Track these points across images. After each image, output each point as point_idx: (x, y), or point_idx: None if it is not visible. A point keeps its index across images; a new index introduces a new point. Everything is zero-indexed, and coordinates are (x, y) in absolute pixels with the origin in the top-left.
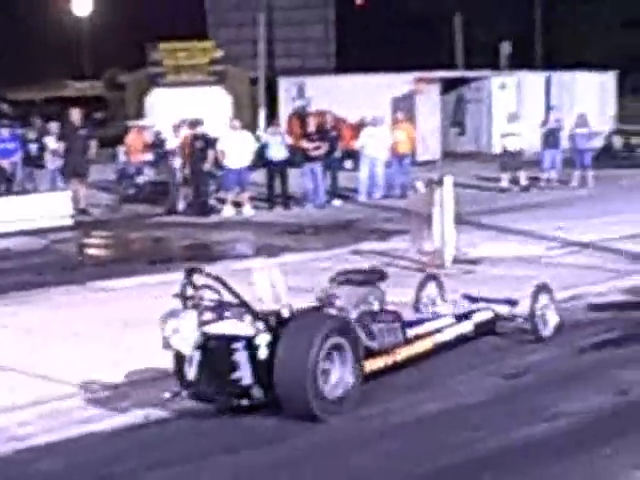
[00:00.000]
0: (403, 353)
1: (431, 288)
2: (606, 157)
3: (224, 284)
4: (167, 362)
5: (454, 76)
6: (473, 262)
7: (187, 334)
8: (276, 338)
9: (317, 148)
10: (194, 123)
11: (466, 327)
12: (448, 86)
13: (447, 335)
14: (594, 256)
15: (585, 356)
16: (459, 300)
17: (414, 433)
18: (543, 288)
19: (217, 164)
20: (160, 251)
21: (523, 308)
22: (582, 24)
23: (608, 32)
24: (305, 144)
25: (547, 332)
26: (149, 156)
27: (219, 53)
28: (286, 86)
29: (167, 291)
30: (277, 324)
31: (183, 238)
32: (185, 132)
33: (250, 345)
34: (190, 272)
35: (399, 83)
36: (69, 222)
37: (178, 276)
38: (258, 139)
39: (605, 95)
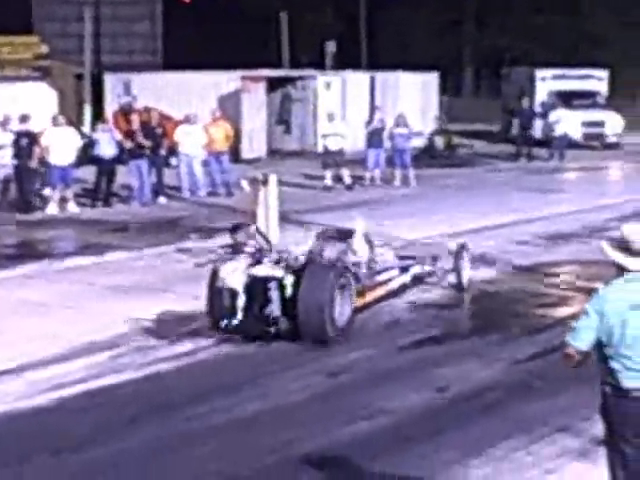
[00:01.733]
0: (371, 295)
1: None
2: (428, 157)
3: (263, 235)
4: None
5: (280, 75)
6: None
7: (239, 274)
8: (298, 279)
9: (141, 146)
10: (23, 119)
11: (406, 278)
12: (274, 84)
13: (395, 284)
14: (417, 253)
15: (405, 354)
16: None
17: (232, 434)
18: (463, 247)
19: (41, 161)
20: None
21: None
22: (405, 25)
23: (430, 33)
24: (129, 141)
25: (464, 282)
26: None
27: (44, 48)
28: (112, 82)
29: None
30: (298, 268)
31: (5, 235)
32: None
33: (280, 284)
34: (235, 228)
35: (226, 81)
36: None
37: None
38: (84, 136)
39: (428, 95)
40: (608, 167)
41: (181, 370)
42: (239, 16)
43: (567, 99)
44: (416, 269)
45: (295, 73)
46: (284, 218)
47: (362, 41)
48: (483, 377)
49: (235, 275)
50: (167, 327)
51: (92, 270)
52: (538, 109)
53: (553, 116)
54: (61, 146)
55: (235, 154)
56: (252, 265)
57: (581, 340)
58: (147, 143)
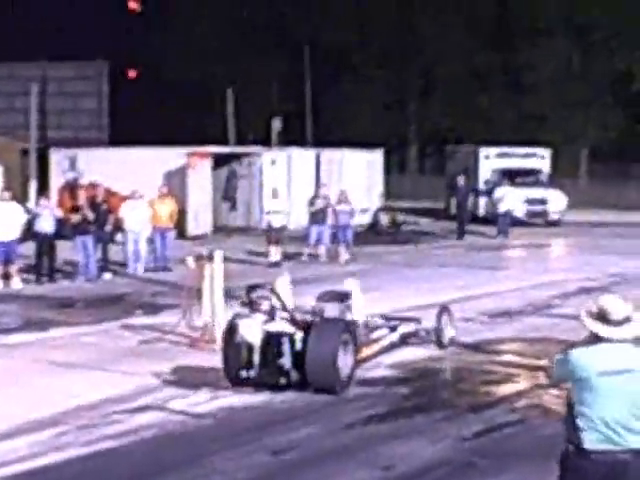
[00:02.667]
0: (367, 351)
1: None
2: (374, 233)
3: (276, 295)
4: None
5: (226, 151)
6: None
7: (256, 330)
8: (307, 335)
9: (87, 221)
10: None
11: (395, 337)
12: (220, 161)
13: (386, 342)
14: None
15: (352, 431)
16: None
17: None
18: (444, 309)
19: None
20: None
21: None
22: (351, 103)
23: (375, 111)
24: (75, 216)
25: (445, 341)
26: None
27: None
28: (58, 158)
29: None
30: (306, 325)
31: None
32: None
33: (291, 340)
34: (251, 288)
35: (172, 157)
36: None
37: None
38: (28, 211)
39: (373, 173)
40: (551, 244)
41: (125, 448)
42: (185, 92)
43: (510, 177)
44: (403, 329)
45: (241, 150)
46: (230, 294)
47: (308, 118)
48: (429, 455)
49: (252, 331)
50: (110, 404)
51: (36, 346)
52: (482, 187)
53: (497, 193)
54: (4, 221)
55: (180, 230)
56: (267, 322)
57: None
58: (92, 218)
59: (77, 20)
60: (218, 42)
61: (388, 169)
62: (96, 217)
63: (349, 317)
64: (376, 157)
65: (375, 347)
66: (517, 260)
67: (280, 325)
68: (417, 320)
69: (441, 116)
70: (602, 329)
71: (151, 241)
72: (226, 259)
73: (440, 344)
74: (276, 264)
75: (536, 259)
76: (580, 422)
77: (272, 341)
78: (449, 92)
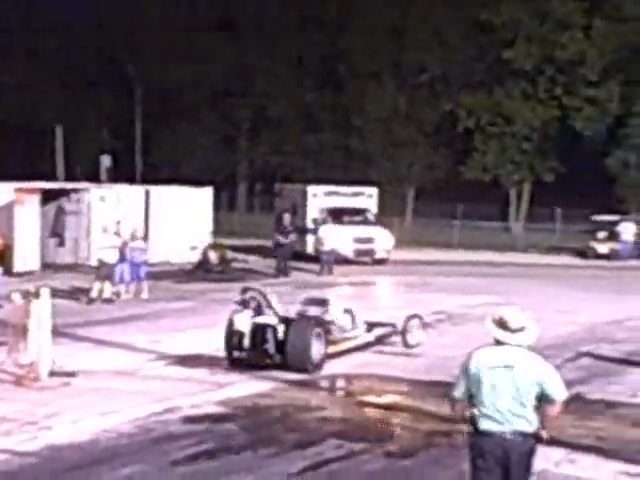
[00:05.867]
0: (341, 346)
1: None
2: (203, 271)
3: (264, 295)
4: None
5: (54, 187)
6: (70, 374)
7: (246, 322)
8: (288, 327)
9: None
10: None
11: (370, 337)
12: (49, 197)
13: (361, 340)
14: (189, 369)
15: (179, 468)
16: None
17: None
18: (414, 316)
19: None
20: None
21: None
22: (181, 141)
23: (205, 149)
24: None
25: (413, 342)
26: None
27: None
28: None
29: None
30: (287, 319)
31: None
32: None
33: (275, 330)
34: (244, 290)
35: None
36: None
37: None
38: None
39: (202, 210)
40: (377, 282)
41: None
42: (14, 128)
43: (338, 215)
44: (378, 331)
45: (69, 186)
46: (56, 331)
47: (137, 155)
48: None
49: (243, 322)
50: None
51: None
52: (310, 225)
53: (321, 232)
54: None
55: (7, 267)
56: (255, 316)
57: (455, 391)
58: None
59: None
60: (46, 76)
61: (218, 206)
62: None
63: (327, 318)
64: (206, 194)
65: (348, 344)
66: (342, 298)
67: (266, 319)
68: (393, 325)
69: (270, 154)
70: (501, 335)
71: None
72: (54, 295)
73: (406, 345)
74: (108, 300)
75: (364, 296)
76: (476, 409)
77: (259, 331)
78: (278, 131)
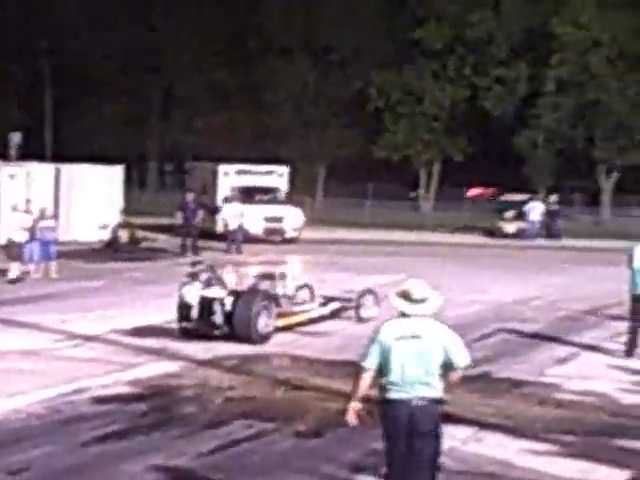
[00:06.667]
0: (291, 319)
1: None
2: (113, 250)
3: (212, 269)
4: None
5: None
6: None
7: (194, 294)
8: (236, 299)
9: None
10: None
11: (325, 311)
12: None
13: (315, 314)
14: (98, 349)
15: (89, 449)
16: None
17: None
18: (369, 291)
19: None
20: None
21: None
22: (91, 119)
23: (116, 127)
24: None
25: (365, 316)
26: None
27: None
28: None
29: None
30: (236, 292)
31: None
32: None
33: (222, 302)
34: (194, 263)
35: None
36: None
37: None
38: None
39: (112, 188)
40: (285, 261)
41: None
42: None
43: (249, 194)
44: (333, 305)
45: None
46: None
47: (47, 133)
48: (167, 472)
49: (191, 294)
50: None
51: None
52: (220, 204)
53: (230, 210)
54: None
55: None
56: (204, 288)
57: (365, 360)
58: None
59: None
60: None
61: (129, 185)
62: None
63: (279, 291)
64: (116, 173)
65: (299, 317)
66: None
67: (214, 291)
68: (349, 300)
69: (181, 132)
70: (405, 306)
71: None
72: None
73: (360, 319)
74: (17, 280)
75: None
76: (385, 380)
77: (206, 303)
78: (189, 109)
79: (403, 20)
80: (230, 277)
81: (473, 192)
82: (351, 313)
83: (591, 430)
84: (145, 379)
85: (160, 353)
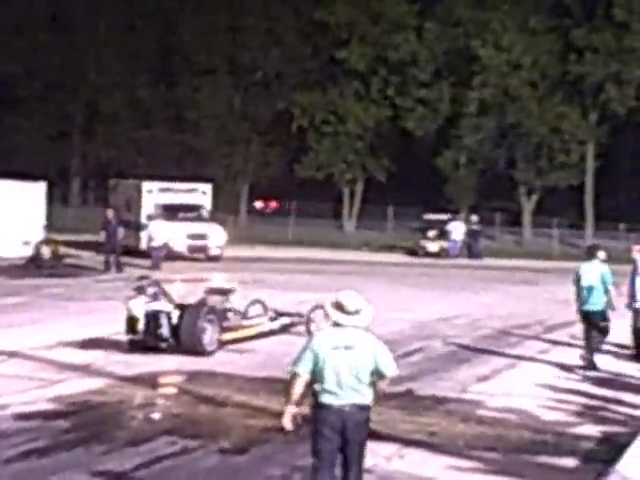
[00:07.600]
0: (238, 333)
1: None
2: (35, 266)
3: (158, 284)
4: None
5: None
6: None
7: (140, 308)
8: (182, 313)
9: None
10: None
11: (275, 325)
12: None
13: (264, 328)
14: (21, 365)
15: (11, 466)
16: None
17: None
18: (319, 306)
19: None
20: None
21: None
22: (13, 134)
23: (38, 143)
24: None
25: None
26: None
27: None
28: None
29: None
30: (182, 306)
31: None
32: None
33: (169, 316)
34: (141, 277)
35: None
36: None
37: None
38: None
39: (34, 205)
40: (208, 279)
41: None
42: None
43: (173, 212)
44: (283, 320)
45: None
46: None
47: None
48: None
49: (137, 308)
50: None
51: None
52: (144, 221)
53: (151, 227)
54: None
55: None
56: (150, 302)
57: (299, 367)
58: None
59: None
60: None
61: (51, 201)
62: None
63: (227, 306)
64: (39, 189)
65: (247, 331)
66: (177, 296)
67: (160, 305)
68: (300, 315)
69: (104, 149)
70: (340, 317)
71: None
72: None
73: (310, 333)
74: None
75: (194, 293)
76: (318, 385)
77: (151, 316)
78: (112, 125)
79: (326, 40)
80: (177, 290)
81: (258, 205)
82: (301, 328)
83: (513, 447)
84: (68, 396)
85: (84, 370)
